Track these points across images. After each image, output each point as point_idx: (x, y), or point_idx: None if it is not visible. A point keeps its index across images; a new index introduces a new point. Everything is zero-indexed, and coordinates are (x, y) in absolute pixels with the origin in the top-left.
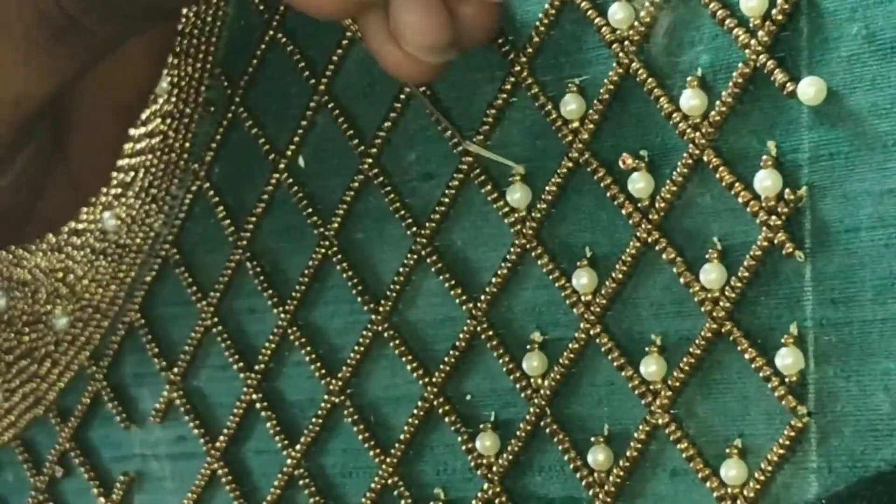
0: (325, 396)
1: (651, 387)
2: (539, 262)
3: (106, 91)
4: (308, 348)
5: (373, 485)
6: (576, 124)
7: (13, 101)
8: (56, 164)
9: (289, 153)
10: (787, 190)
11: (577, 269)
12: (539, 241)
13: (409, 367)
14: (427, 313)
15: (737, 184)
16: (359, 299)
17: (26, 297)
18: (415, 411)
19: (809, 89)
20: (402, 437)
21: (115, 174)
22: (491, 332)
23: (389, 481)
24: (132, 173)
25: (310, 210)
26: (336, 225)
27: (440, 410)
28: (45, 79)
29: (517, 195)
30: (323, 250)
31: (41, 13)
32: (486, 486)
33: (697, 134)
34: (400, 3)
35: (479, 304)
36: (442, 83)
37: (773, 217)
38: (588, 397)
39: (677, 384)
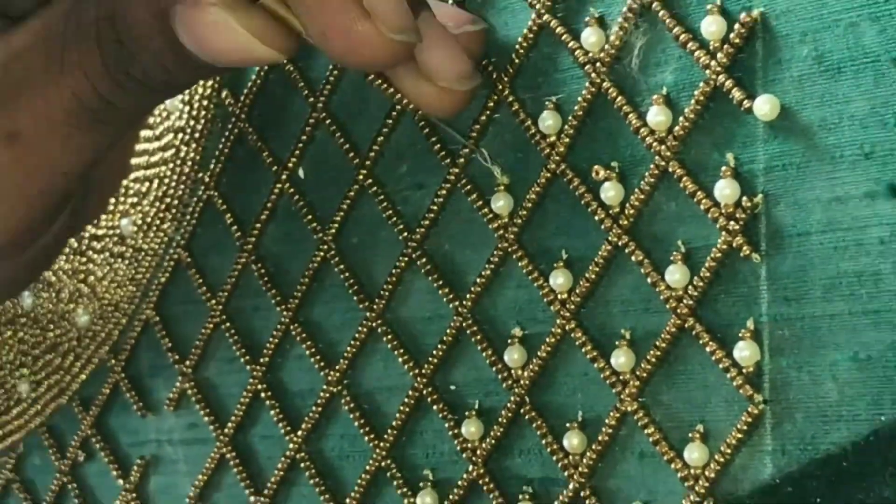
0: (324, 387)
1: (621, 377)
2: (520, 264)
3: None
4: (308, 343)
5: (368, 467)
6: (553, 138)
7: (63, 179)
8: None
9: (290, 165)
10: (744, 198)
11: (555, 269)
12: (520, 244)
13: (400, 360)
14: (417, 311)
15: (699, 192)
16: (354, 298)
17: (51, 297)
18: (406, 400)
19: (764, 106)
20: (394, 423)
21: (132, 185)
22: (475, 328)
23: (383, 464)
24: (147, 183)
25: (309, 217)
26: (334, 230)
27: (429, 399)
28: (84, 154)
29: (501, 203)
30: (322, 253)
31: (79, 99)
32: (471, 468)
33: (663, 147)
34: (427, 46)
35: (464, 303)
36: None
37: (732, 222)
38: (564, 387)
39: (645, 375)
